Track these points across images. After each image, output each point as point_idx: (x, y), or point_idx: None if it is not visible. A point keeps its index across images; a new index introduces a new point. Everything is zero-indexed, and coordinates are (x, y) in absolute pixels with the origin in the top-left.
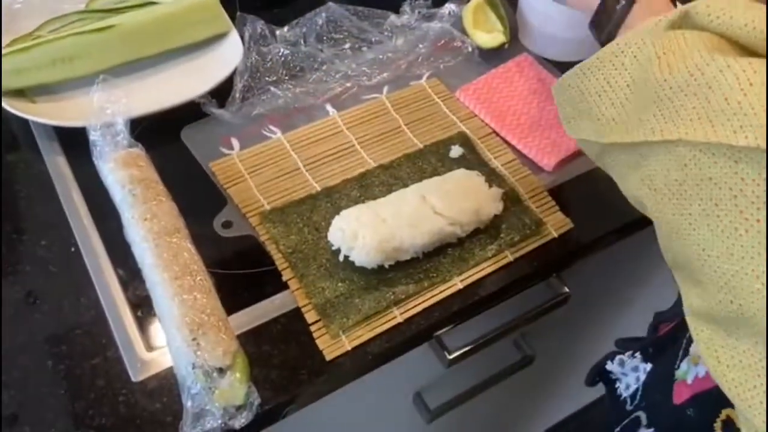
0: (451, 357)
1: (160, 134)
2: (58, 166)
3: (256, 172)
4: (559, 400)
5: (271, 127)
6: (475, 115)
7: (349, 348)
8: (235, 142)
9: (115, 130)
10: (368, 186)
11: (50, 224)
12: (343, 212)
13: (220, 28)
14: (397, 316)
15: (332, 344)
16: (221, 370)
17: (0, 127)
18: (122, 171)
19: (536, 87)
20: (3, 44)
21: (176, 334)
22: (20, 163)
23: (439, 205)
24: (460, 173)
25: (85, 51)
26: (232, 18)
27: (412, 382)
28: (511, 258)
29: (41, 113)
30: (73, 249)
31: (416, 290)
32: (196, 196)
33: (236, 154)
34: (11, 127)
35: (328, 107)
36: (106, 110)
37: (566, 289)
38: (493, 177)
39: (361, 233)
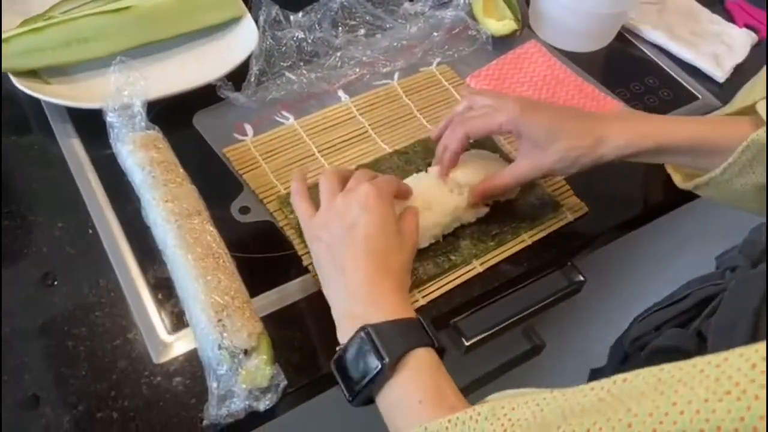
0: (468, 343)
1: (173, 118)
2: (73, 147)
3: (270, 158)
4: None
5: (284, 113)
6: None
7: None
8: (248, 128)
9: (132, 112)
10: (383, 171)
11: (66, 206)
12: None
13: (235, 13)
14: (419, 299)
15: None
16: (246, 352)
17: (0, 108)
18: (142, 153)
19: (545, 73)
20: (15, 25)
21: (201, 315)
22: (35, 145)
23: (462, 178)
24: (476, 152)
25: (101, 32)
26: (247, 3)
27: None
28: (528, 241)
29: (56, 94)
30: (90, 231)
31: (436, 272)
32: (212, 181)
33: (250, 140)
34: (24, 110)
35: (341, 93)
36: (123, 92)
37: (581, 277)
38: (507, 162)
39: None
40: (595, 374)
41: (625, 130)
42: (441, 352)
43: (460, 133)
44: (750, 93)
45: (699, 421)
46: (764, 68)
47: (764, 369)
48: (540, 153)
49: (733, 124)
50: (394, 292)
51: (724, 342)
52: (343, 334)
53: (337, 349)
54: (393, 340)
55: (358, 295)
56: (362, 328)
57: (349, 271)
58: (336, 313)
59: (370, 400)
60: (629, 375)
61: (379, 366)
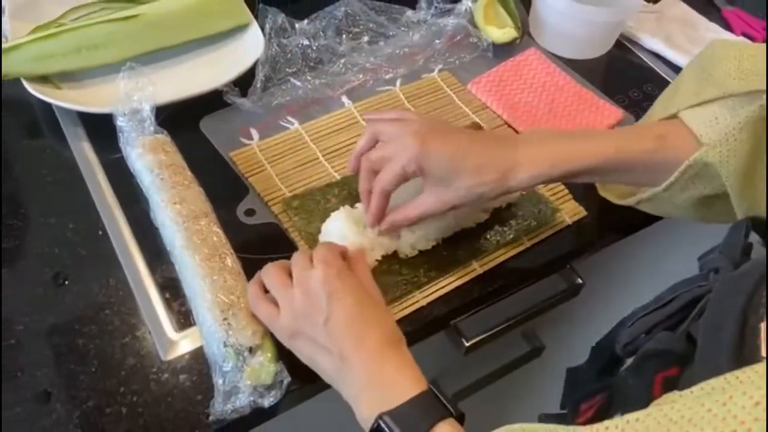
0: (468, 344)
1: (181, 123)
2: (83, 151)
3: (276, 162)
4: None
5: (289, 118)
6: (487, 107)
7: None
8: (254, 132)
9: (142, 117)
10: None
11: (77, 208)
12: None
13: (242, 20)
14: (420, 299)
15: None
16: (251, 350)
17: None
18: (150, 156)
19: (545, 80)
20: (27, 31)
21: (207, 314)
22: (46, 149)
23: None
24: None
25: (111, 39)
26: (254, 11)
27: (428, 369)
28: (528, 244)
29: (67, 99)
30: (100, 232)
31: (437, 275)
32: (218, 184)
33: (256, 144)
34: (36, 114)
35: (344, 99)
36: (133, 97)
37: (580, 280)
38: None
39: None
40: (572, 373)
41: (534, 159)
42: (461, 419)
43: (379, 193)
44: (671, 103)
45: None
46: (673, 81)
47: (765, 406)
48: (444, 189)
49: (647, 138)
50: (399, 368)
51: (712, 342)
52: (362, 418)
53: None
54: (412, 422)
55: (368, 379)
56: (380, 417)
57: (349, 355)
58: (347, 397)
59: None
60: (641, 415)
61: None
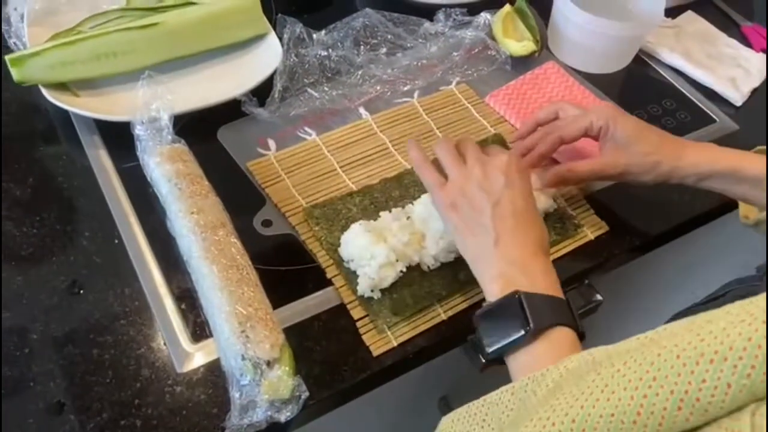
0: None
1: (199, 132)
2: (100, 159)
3: (293, 173)
4: None
5: (306, 129)
6: (505, 120)
7: (396, 344)
8: (271, 143)
9: (160, 126)
10: (407, 185)
11: (93, 216)
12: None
13: (260, 30)
14: (441, 313)
15: (379, 340)
16: (269, 363)
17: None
18: (168, 165)
19: (564, 93)
20: (46, 38)
21: (224, 326)
22: (63, 156)
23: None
24: None
25: (130, 47)
26: (272, 21)
27: (439, 385)
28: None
29: (85, 106)
30: (116, 241)
31: (459, 288)
32: (235, 194)
33: (273, 155)
34: (53, 121)
35: (362, 110)
36: (151, 106)
37: (599, 297)
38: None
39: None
40: None
41: (702, 151)
42: (581, 337)
43: (554, 136)
44: None
45: (714, 344)
46: None
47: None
48: (622, 152)
49: None
50: (546, 273)
51: None
52: (491, 294)
53: (484, 304)
54: (542, 311)
55: (515, 264)
56: (515, 292)
57: (505, 241)
58: (482, 273)
59: (500, 360)
60: (668, 324)
61: (523, 332)
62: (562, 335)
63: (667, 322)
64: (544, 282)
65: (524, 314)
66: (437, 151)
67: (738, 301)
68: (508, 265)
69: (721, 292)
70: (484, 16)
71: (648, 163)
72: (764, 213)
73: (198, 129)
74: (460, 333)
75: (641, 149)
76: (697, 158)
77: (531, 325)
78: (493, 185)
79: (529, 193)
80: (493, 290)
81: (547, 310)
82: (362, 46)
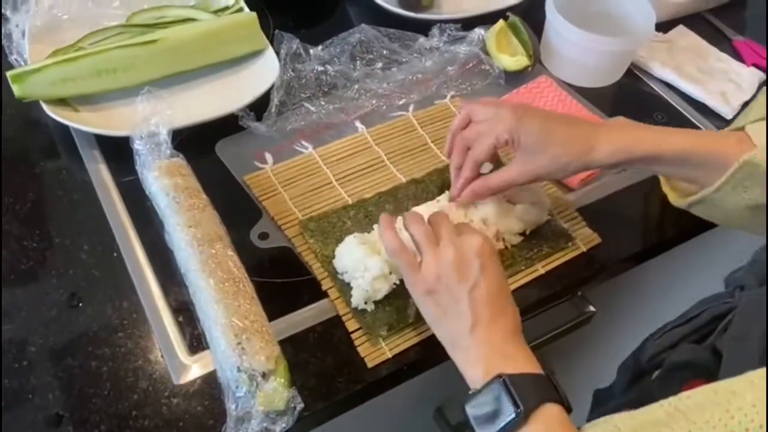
0: None
1: (197, 146)
2: (100, 173)
3: (289, 186)
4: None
5: (303, 142)
6: None
7: (390, 356)
8: (268, 156)
9: (158, 140)
10: (401, 199)
11: (92, 230)
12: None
13: (258, 46)
14: None
15: (373, 351)
16: (264, 375)
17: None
18: (166, 179)
19: (556, 107)
20: (46, 54)
21: (221, 338)
22: (63, 170)
23: (477, 213)
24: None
25: (130, 63)
26: (269, 36)
27: (434, 396)
28: (542, 271)
29: (85, 121)
30: (115, 254)
31: None
32: (232, 207)
33: (270, 168)
34: (53, 136)
35: (358, 124)
36: (150, 121)
37: (592, 308)
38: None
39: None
40: (600, 393)
41: (617, 138)
42: (568, 410)
43: (469, 162)
44: (744, 116)
45: (745, 422)
46: (761, 94)
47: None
48: (530, 159)
49: (724, 139)
50: (523, 350)
51: (738, 356)
52: (473, 380)
53: (469, 393)
54: (528, 391)
55: (494, 347)
56: (498, 376)
57: (483, 325)
58: (461, 360)
59: None
60: (691, 392)
61: (514, 414)
62: (552, 412)
63: (645, 341)
64: (524, 362)
65: (512, 397)
66: (408, 227)
67: (759, 370)
68: (488, 349)
69: (696, 311)
70: (478, 32)
71: (558, 165)
72: (697, 195)
73: (196, 143)
74: None
75: (550, 152)
76: (611, 147)
77: (521, 406)
78: (469, 270)
79: (501, 274)
80: (475, 375)
81: (532, 389)
82: (358, 61)
